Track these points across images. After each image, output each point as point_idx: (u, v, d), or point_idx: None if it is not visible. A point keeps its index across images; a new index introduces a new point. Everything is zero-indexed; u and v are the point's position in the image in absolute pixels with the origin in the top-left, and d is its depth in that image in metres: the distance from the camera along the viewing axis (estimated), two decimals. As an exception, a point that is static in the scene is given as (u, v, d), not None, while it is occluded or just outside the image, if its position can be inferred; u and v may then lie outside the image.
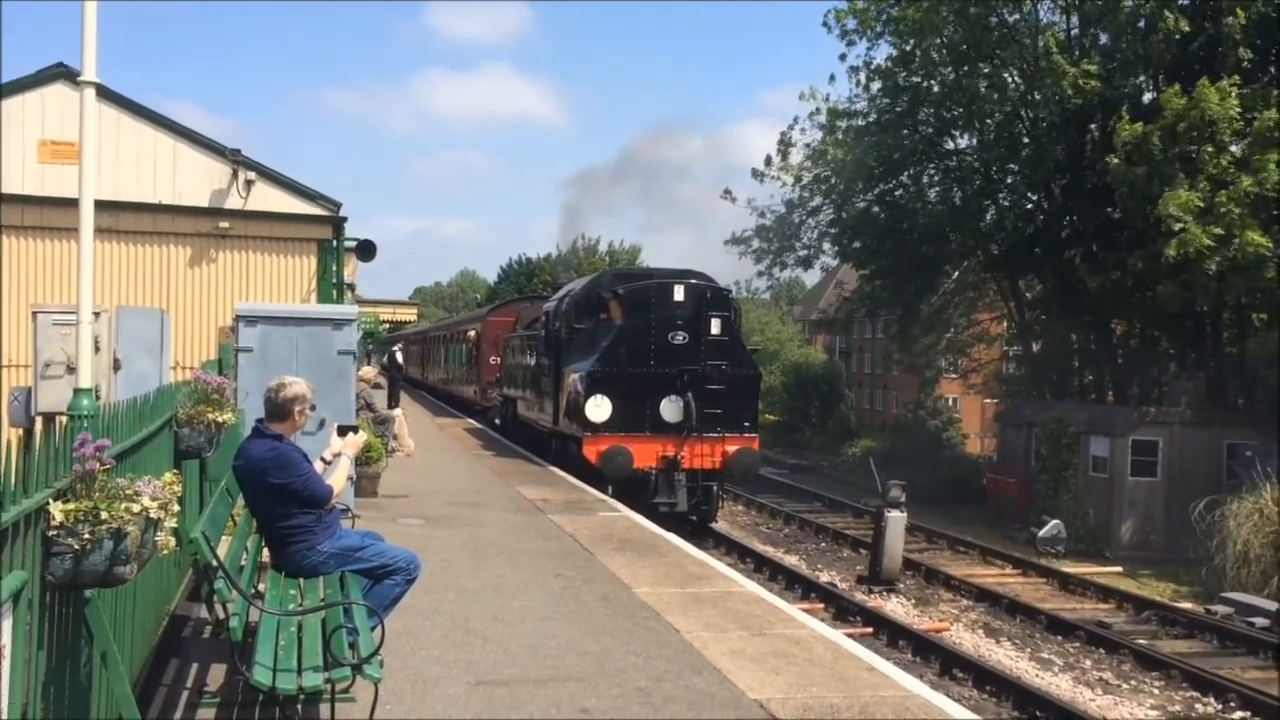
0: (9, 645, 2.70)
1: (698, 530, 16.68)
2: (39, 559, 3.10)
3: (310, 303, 14.36)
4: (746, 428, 16.76)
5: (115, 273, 14.00)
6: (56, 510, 3.10)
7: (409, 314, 57.55)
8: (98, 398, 7.79)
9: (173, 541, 3.62)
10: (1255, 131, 19.01)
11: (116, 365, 10.04)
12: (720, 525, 18.93)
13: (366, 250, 16.83)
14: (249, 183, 14.78)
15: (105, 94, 13.06)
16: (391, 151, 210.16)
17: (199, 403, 6.78)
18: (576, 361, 17.29)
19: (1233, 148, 19.81)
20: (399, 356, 37.47)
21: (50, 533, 3.10)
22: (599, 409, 16.24)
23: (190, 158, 14.81)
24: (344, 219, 15.30)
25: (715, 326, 16.62)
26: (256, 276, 14.90)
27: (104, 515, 3.15)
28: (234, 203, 14.84)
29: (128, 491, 3.30)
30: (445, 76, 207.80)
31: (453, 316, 57.08)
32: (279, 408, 6.02)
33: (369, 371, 18.18)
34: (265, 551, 6.09)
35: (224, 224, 14.86)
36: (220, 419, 6.81)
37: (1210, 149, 19.19)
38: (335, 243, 15.14)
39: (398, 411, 17.86)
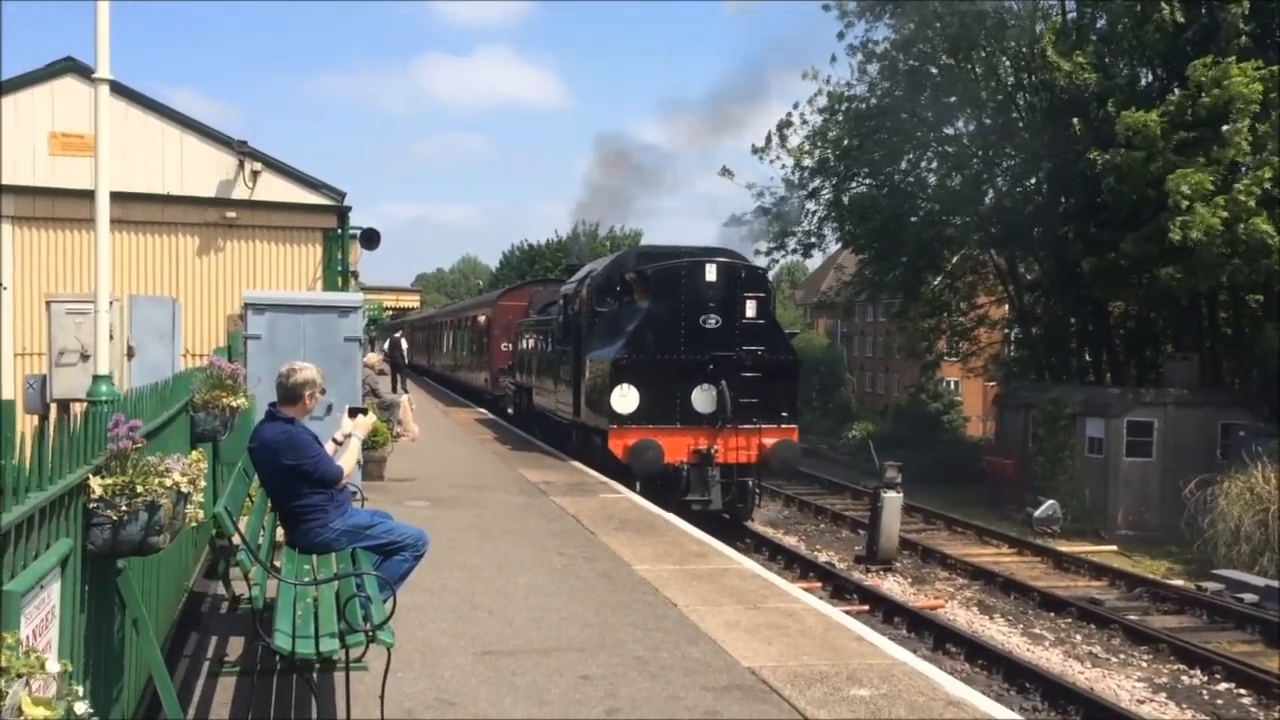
0: (58, 605, 2.99)
1: (731, 529, 15.57)
2: (80, 529, 3.38)
3: (316, 290, 14.66)
4: (785, 418, 15.64)
5: (125, 262, 14.27)
6: (96, 484, 3.38)
7: (412, 301, 57.83)
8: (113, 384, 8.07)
9: (201, 513, 3.90)
10: (1276, 118, 19.11)
11: (130, 353, 10.33)
12: (754, 524, 17.40)
13: (371, 239, 17.08)
14: (255, 173, 15.05)
15: (114, 88, 13.31)
16: (391, 136, 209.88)
17: (214, 388, 7.06)
18: (600, 348, 16.24)
19: (1246, 131, 19.87)
20: (403, 344, 37.66)
21: (91, 505, 3.38)
22: (625, 399, 15.14)
23: (197, 149, 15.08)
24: (348, 208, 15.58)
25: (750, 309, 15.50)
26: (263, 265, 15.19)
27: (139, 489, 3.43)
28: (240, 193, 15.11)
29: (159, 468, 3.59)
30: (445, 60, 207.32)
31: (459, 302, 56.59)
32: (290, 392, 6.28)
33: (374, 358, 18.46)
34: (279, 531, 6.39)
35: (231, 214, 15.13)
36: (235, 403, 7.10)
37: (1242, 128, 19.23)
38: (340, 231, 15.43)
39: (404, 397, 18.16)
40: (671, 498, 14.39)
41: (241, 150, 15.05)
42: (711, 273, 15.48)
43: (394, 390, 25.26)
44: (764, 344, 15.56)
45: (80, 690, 2.11)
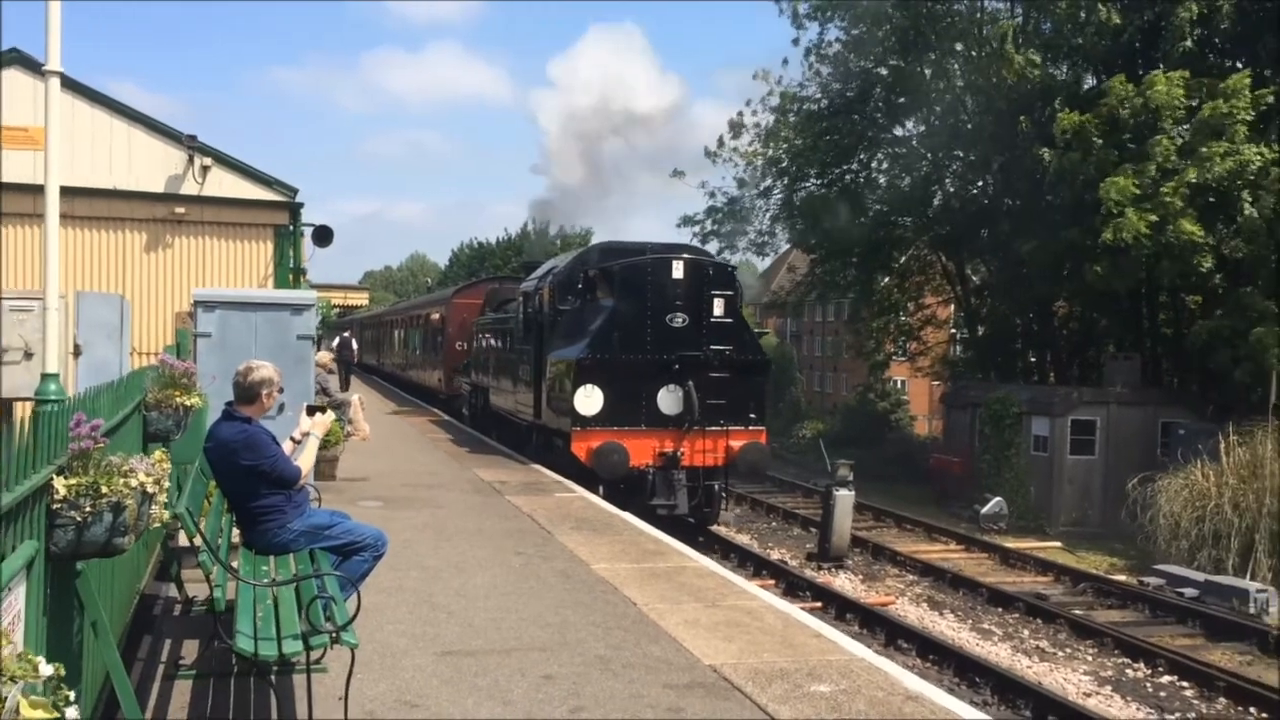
0: (23, 609, 2.94)
1: (698, 534, 15.31)
2: (43, 531, 3.32)
3: (268, 288, 14.48)
4: (753, 420, 15.30)
5: (72, 258, 13.98)
6: (60, 485, 3.32)
7: (360, 298, 57.24)
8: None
9: (166, 514, 3.85)
10: (1201, 120, 19.58)
11: (77, 351, 10.14)
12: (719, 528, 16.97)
13: (323, 236, 16.88)
14: (205, 168, 14.84)
15: (63, 81, 13.04)
16: (342, 133, 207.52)
17: (167, 387, 6.96)
18: (562, 347, 15.80)
19: (1175, 137, 20.37)
20: (353, 343, 37.20)
21: (54, 506, 3.32)
22: (589, 400, 14.71)
23: (146, 143, 14.82)
24: (301, 204, 15.42)
25: (718, 307, 15.12)
26: (213, 262, 14.98)
27: (104, 489, 3.38)
28: (190, 188, 14.89)
29: (123, 468, 3.54)
30: (398, 56, 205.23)
31: (411, 299, 55.73)
32: (247, 391, 6.22)
33: (325, 356, 18.27)
34: (235, 532, 6.31)
35: (180, 209, 14.90)
36: (189, 403, 7.00)
37: (1163, 139, 19.70)
38: (292, 228, 15.25)
39: (355, 396, 18.00)
40: (636, 502, 14.05)
41: (191, 145, 14.82)
42: (678, 269, 15.08)
43: (342, 389, 25.00)
44: (732, 343, 15.21)
45: (71, 695, 2.08)
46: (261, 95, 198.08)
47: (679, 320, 15.01)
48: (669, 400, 14.96)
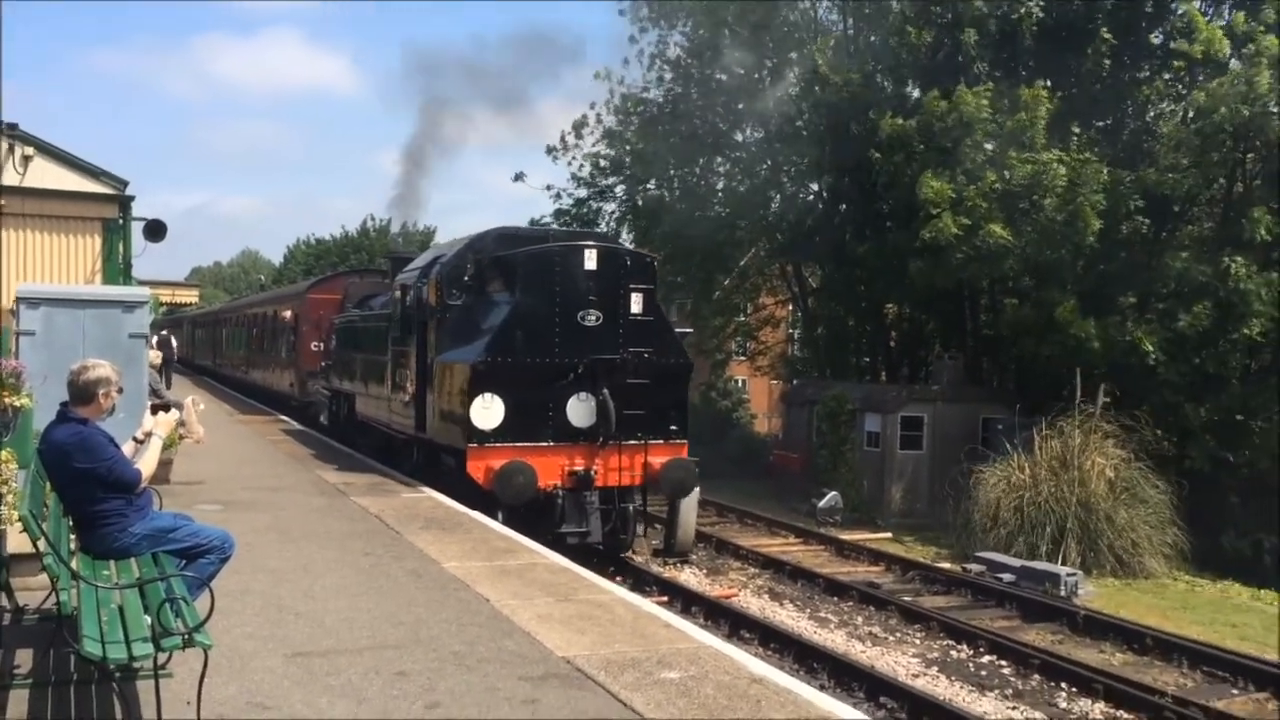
0: None
1: (609, 562, 13.86)
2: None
3: (95, 284, 13.83)
4: (675, 432, 13.81)
5: (-127, 251, 13.06)
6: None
7: (190, 295, 54.86)
8: None
9: (15, 515, 3.74)
10: (1006, 131, 20.87)
11: (-116, 349, 9.51)
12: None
13: (156, 230, 16.15)
14: (26, 158, 14.04)
15: None
16: (172, 121, 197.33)
17: (-7, 387, 6.66)
18: (453, 349, 13.92)
19: (987, 145, 21.63)
20: (173, 341, 35.55)
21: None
22: (488, 412, 12.82)
23: (-43, 131, 13.94)
24: (131, 197, 14.78)
25: (637, 303, 13.50)
26: (37, 257, 14.17)
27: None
28: (10, 179, 14.05)
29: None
30: (230, 41, 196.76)
31: (253, 295, 53.02)
32: (82, 390, 6.02)
33: (155, 356, 17.56)
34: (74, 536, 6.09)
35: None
36: (18, 403, 6.72)
37: (969, 143, 20.90)
38: (122, 221, 14.60)
39: (190, 398, 17.34)
40: (542, 529, 12.44)
41: (11, 134, 14.00)
42: (591, 259, 13.35)
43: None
44: (653, 344, 13.63)
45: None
46: (85, 81, 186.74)
47: (592, 318, 13.34)
48: (580, 411, 13.26)
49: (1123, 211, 20.42)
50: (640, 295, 13.61)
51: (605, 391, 13.16)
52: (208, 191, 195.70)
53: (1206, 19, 20.93)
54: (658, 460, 13.62)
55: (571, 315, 13.27)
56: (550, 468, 13.01)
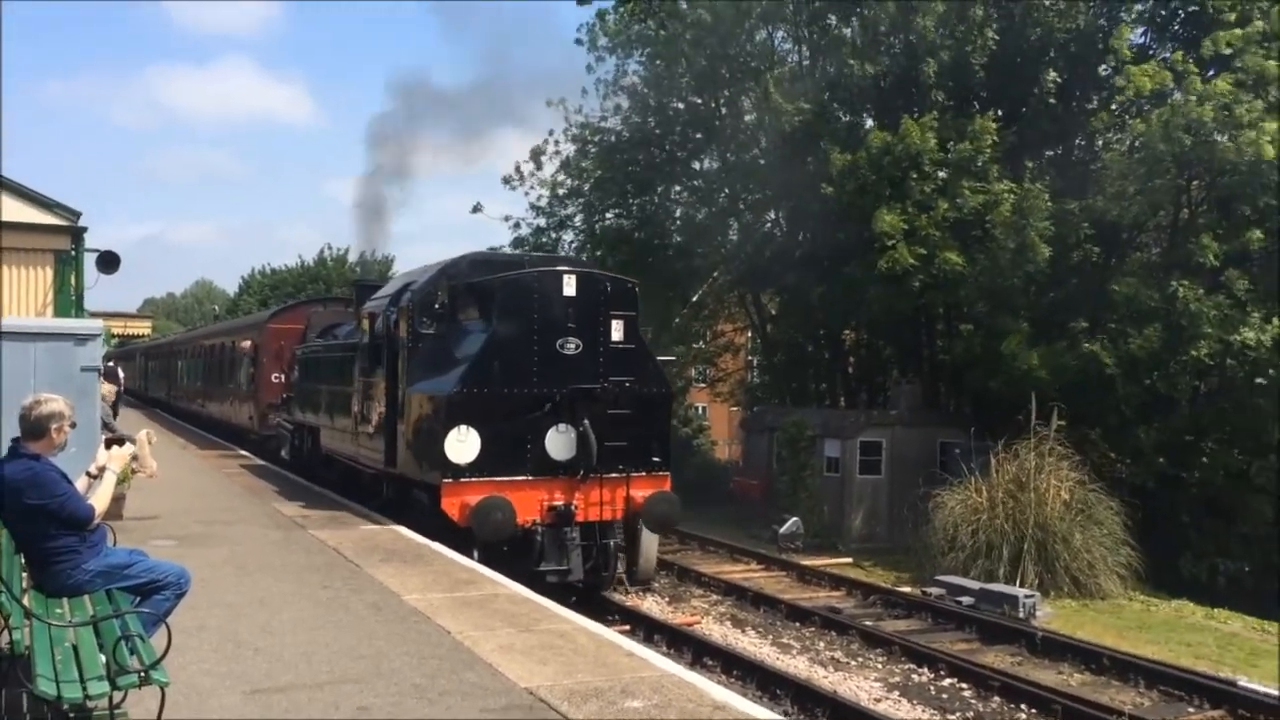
0: None
1: (589, 600, 13.30)
2: None
3: (47, 316, 13.64)
4: (657, 464, 13.49)
5: None
6: None
7: (142, 327, 54.20)
8: None
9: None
10: (953, 162, 21.22)
11: None
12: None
13: (109, 262, 15.93)
14: (-25, 189, 13.87)
15: None
16: (119, 149, 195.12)
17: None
18: (426, 379, 13.41)
19: (940, 174, 21.95)
20: (119, 372, 35.00)
21: None
22: (464, 446, 12.37)
23: (-95, 161, 13.73)
24: (84, 229, 14.60)
25: (618, 330, 13.17)
26: (-15, 289, 13.98)
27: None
28: (-42, 210, 13.88)
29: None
30: (182, 69, 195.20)
31: (209, 325, 51.98)
32: (35, 425, 5.95)
33: (107, 389, 17.29)
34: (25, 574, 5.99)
35: (-55, 232, 13.87)
36: (-33, 438, 6.59)
37: (915, 175, 21.23)
38: (74, 253, 14.42)
39: (144, 431, 17.08)
40: (521, 567, 11.96)
41: (-42, 164, 13.83)
42: (570, 286, 12.94)
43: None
44: (634, 373, 13.29)
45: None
46: (34, 110, 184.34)
47: (571, 346, 12.91)
48: (559, 443, 12.83)
49: (1072, 239, 20.80)
50: (621, 322, 13.28)
51: (585, 422, 12.77)
52: (161, 221, 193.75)
53: (1151, 52, 21.48)
54: (640, 494, 13.26)
55: (550, 343, 12.88)
56: (529, 503, 12.61)
